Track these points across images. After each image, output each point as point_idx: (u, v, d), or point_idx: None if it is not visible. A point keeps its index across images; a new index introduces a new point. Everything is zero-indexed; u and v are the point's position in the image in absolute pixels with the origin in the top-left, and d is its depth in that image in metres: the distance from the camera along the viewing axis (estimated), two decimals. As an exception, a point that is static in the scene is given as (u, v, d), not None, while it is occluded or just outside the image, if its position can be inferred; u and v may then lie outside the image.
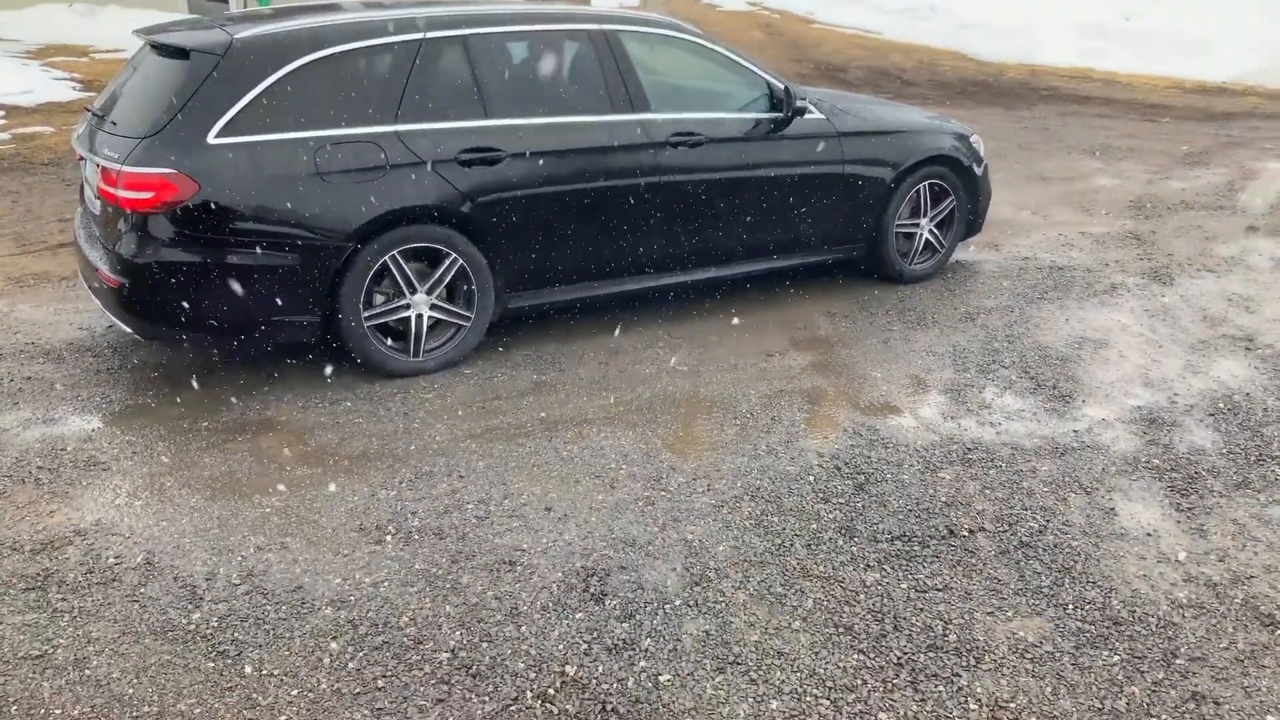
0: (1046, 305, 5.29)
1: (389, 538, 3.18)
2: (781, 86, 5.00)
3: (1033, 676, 2.65)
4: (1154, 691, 2.62)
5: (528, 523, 3.28)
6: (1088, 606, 2.93)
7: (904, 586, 3.01)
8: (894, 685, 2.61)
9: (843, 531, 3.28)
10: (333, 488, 3.46)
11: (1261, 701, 2.59)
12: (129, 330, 4.08)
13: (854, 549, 3.19)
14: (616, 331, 4.86)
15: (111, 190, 3.84)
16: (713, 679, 2.62)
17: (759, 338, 4.83)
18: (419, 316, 4.24)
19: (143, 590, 2.91)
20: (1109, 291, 5.50)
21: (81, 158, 4.32)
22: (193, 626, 2.77)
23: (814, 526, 3.30)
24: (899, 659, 2.70)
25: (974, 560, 3.14)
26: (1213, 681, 2.66)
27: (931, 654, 2.72)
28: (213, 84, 3.89)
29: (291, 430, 3.86)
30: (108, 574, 2.98)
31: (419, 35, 4.21)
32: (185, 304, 3.88)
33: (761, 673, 2.64)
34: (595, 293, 4.72)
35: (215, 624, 2.78)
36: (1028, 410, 4.14)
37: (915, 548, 3.20)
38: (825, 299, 5.35)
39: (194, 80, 3.89)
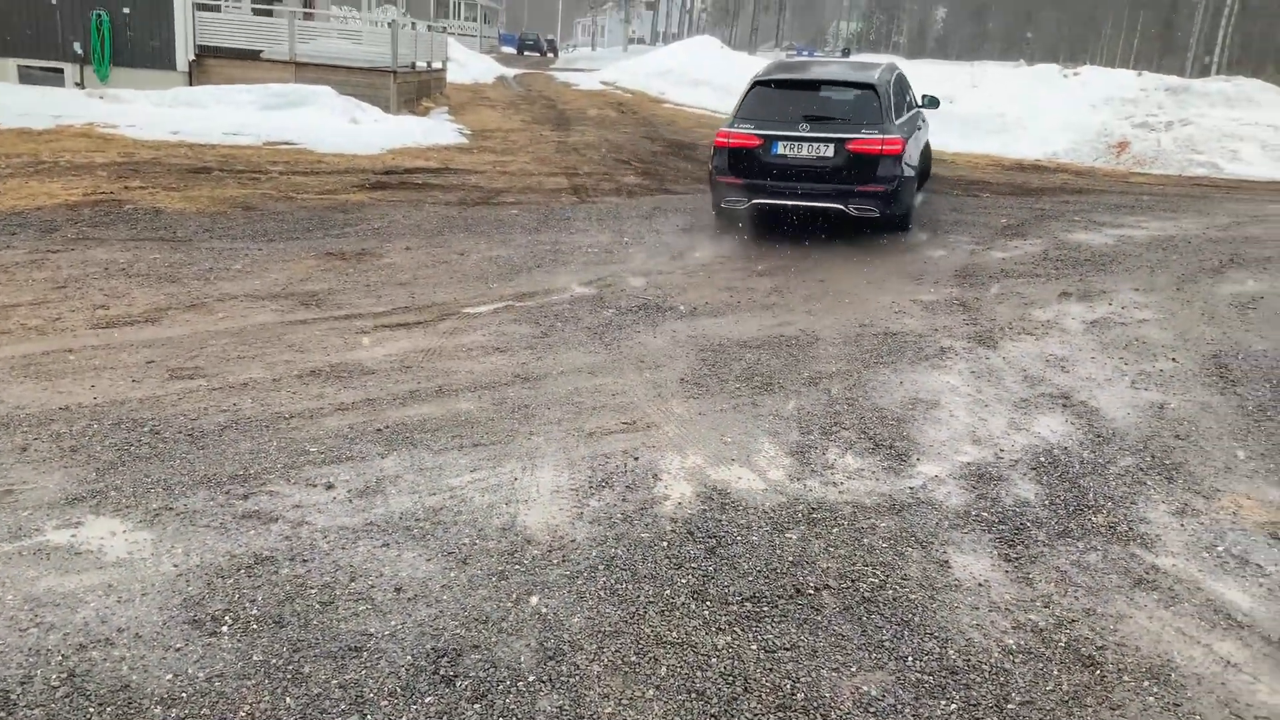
0: (883, 369, 5.57)
1: (225, 629, 3.03)
2: (925, 97, 10.61)
3: (877, 729, 2.74)
4: (988, 736, 2.74)
5: (376, 605, 3.19)
6: (926, 658, 3.06)
7: (754, 648, 3.06)
8: (745, 748, 2.65)
9: (695, 596, 3.32)
10: (163, 575, 3.27)
11: (1084, 738, 2.75)
12: (876, 214, 8.39)
13: (706, 613, 3.23)
14: (468, 404, 4.83)
15: (876, 147, 8.22)
16: (566, 755, 2.59)
17: (616, 405, 4.89)
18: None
19: (-56, 701, 2.67)
20: (939, 355, 5.84)
21: (760, 142, 8.45)
22: (2, 738, 2.55)
23: (667, 592, 3.34)
24: (750, 721, 2.74)
25: (819, 618, 3.23)
26: (1041, 722, 2.80)
27: (780, 714, 2.78)
28: (885, 99, 8.62)
29: (114, 516, 3.65)
30: (-97, 686, 2.72)
31: (894, 74, 9.48)
32: (902, 198, 8.59)
33: (615, 745, 2.63)
34: None
35: (28, 733, 2.57)
36: (867, 469, 4.33)
37: (764, 608, 3.27)
38: (678, 365, 5.48)
39: (878, 98, 8.57)
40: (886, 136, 8.26)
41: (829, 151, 8.26)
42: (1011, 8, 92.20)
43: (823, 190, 8.33)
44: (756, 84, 8.91)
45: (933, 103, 10.54)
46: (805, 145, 8.32)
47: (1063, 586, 3.50)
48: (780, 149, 8.35)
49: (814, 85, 8.93)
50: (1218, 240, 9.33)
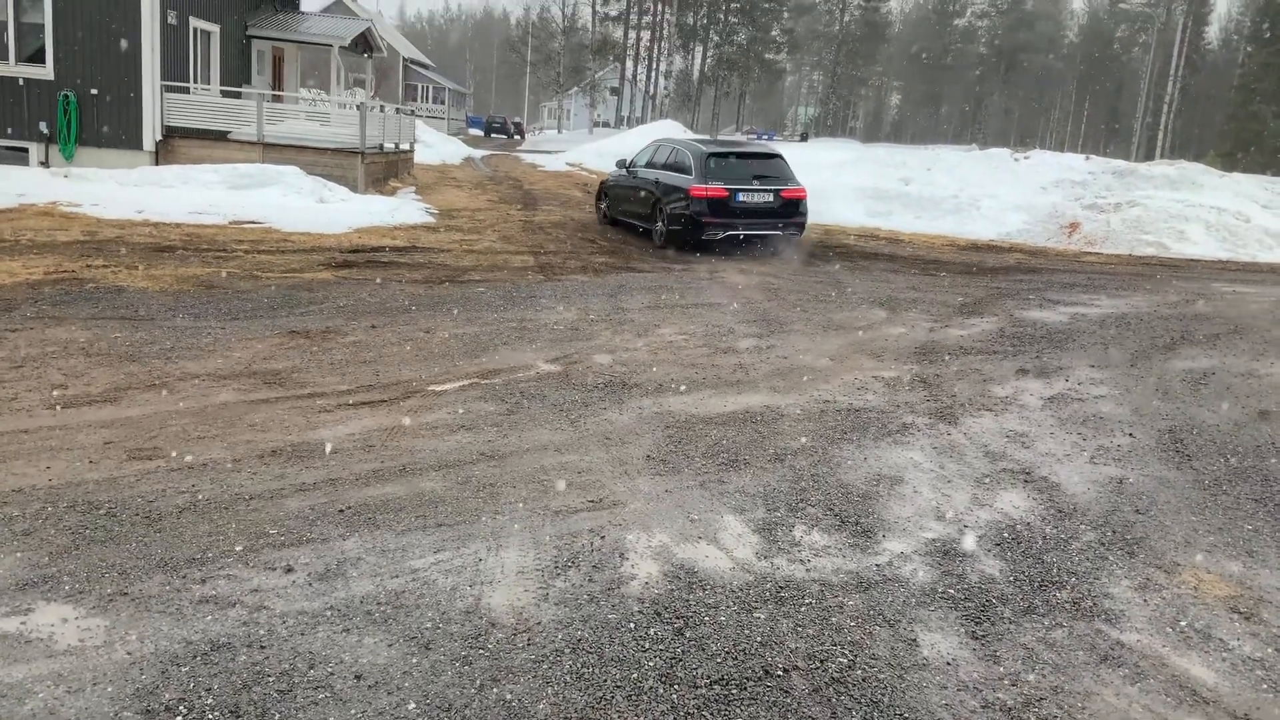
0: (847, 445, 5.62)
1: (179, 719, 2.93)
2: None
3: (848, 814, 2.69)
4: (960, 819, 2.70)
5: (335, 694, 3.11)
6: (896, 739, 3.03)
7: (723, 732, 3.02)
8: (715, 836, 2.59)
9: (663, 679, 3.28)
10: (116, 664, 3.17)
11: (1056, 820, 2.72)
12: (798, 235, 13.44)
13: (674, 696, 3.19)
14: (432, 484, 4.79)
15: (797, 193, 13.08)
16: (532, 847, 2.52)
17: (583, 483, 4.87)
18: None
19: (-122, 802, 2.55)
20: (901, 431, 5.90)
21: (727, 193, 12.69)
22: (-62, 840, 2.43)
23: (635, 676, 3.29)
24: (720, 808, 2.69)
25: (789, 700, 3.20)
26: (1012, 804, 2.77)
27: (751, 800, 2.72)
28: (789, 165, 13.51)
29: (66, 602, 3.55)
30: None
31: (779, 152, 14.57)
32: (806, 224, 13.58)
33: (582, 835, 2.56)
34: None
35: (-33, 835, 2.45)
36: (834, 546, 4.33)
37: (733, 691, 3.23)
38: (644, 442, 5.48)
39: (785, 165, 13.50)
40: (800, 186, 13.18)
41: (770, 197, 12.89)
42: (963, 95, 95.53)
43: (769, 222, 12.95)
44: (709, 155, 13.09)
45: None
46: (757, 194, 12.85)
47: (1030, 664, 3.50)
48: (742, 197, 12.75)
49: (747, 156, 13.73)
50: (1168, 318, 9.59)
